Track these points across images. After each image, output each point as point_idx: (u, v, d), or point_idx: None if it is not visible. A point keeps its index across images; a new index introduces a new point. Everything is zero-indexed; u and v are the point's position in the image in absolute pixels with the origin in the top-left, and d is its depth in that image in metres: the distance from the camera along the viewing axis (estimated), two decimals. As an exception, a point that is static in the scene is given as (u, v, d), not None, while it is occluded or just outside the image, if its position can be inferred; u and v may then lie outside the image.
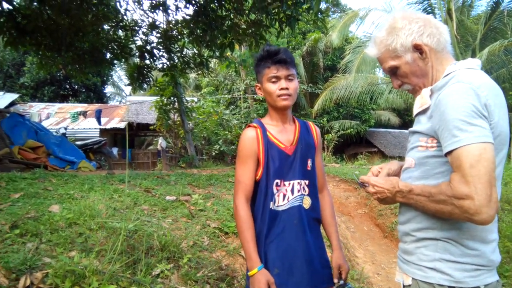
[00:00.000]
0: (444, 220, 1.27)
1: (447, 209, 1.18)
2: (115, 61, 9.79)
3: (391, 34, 1.41)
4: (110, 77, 28.78)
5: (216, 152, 15.20)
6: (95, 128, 17.78)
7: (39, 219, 2.96)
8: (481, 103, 1.18)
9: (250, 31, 7.60)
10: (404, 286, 1.40)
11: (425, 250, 1.32)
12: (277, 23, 7.23)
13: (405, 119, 24.55)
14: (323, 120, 20.46)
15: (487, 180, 1.10)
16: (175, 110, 12.18)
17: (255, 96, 18.32)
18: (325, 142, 17.32)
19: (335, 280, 1.78)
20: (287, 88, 1.75)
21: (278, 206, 1.75)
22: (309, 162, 1.84)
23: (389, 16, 1.50)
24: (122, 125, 18.39)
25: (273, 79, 1.76)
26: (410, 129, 1.42)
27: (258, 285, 1.60)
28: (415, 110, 1.40)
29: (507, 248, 4.55)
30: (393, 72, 1.46)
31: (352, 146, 23.09)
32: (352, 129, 19.97)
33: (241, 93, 19.24)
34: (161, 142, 15.84)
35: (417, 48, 1.38)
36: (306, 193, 1.81)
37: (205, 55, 9.73)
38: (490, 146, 1.14)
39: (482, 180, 1.10)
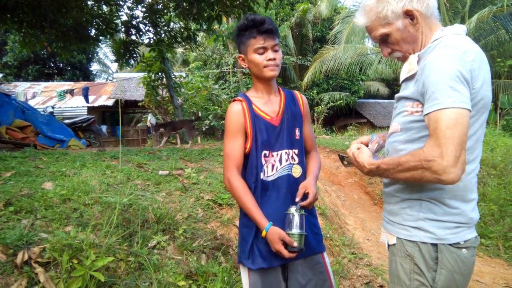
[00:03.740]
0: None
1: (417, 174, 1.22)
2: (101, 38, 9.59)
3: (381, 1, 1.41)
4: (95, 54, 28.23)
5: (206, 127, 15.18)
6: (82, 106, 17.57)
7: (33, 196, 2.96)
8: (465, 68, 1.20)
9: (238, 2, 7.49)
10: (389, 245, 1.46)
11: (410, 210, 1.37)
12: (265, -6, 7.12)
13: (394, 89, 24.57)
14: (313, 93, 20.43)
15: (459, 143, 1.14)
16: (163, 86, 12.05)
17: (244, 70, 18.16)
18: (315, 115, 17.34)
19: (297, 199, 1.70)
20: (274, 59, 1.74)
21: (267, 176, 1.76)
22: (297, 131, 1.84)
23: None
24: (110, 102, 18.17)
25: (260, 50, 1.74)
26: (397, 95, 1.45)
27: (272, 245, 1.63)
28: (402, 76, 1.42)
29: (492, 211, 4.71)
30: (383, 40, 1.46)
31: (342, 117, 23.20)
32: (341, 101, 20.00)
33: (230, 67, 19.01)
34: (150, 119, 15.71)
35: (408, 14, 1.38)
36: (296, 162, 1.82)
37: (192, 28, 9.57)
38: (467, 113, 1.17)
39: (455, 143, 1.14)
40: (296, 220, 1.63)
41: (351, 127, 18.26)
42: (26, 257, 2.25)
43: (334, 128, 19.94)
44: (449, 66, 1.20)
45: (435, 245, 1.31)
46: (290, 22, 20.06)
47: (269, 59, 1.73)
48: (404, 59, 1.46)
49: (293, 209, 1.65)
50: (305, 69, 20.67)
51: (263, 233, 1.65)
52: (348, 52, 17.50)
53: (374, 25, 1.45)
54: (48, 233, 2.49)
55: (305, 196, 1.72)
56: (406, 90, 1.40)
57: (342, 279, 3.18)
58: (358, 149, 1.51)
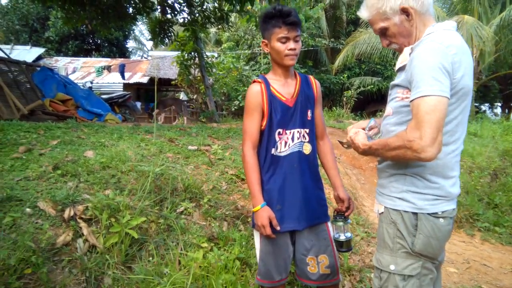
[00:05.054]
0: None
1: (401, 153, 1.42)
2: (137, 16, 9.92)
3: None
4: (132, 32, 28.81)
5: (235, 107, 15.40)
6: (119, 83, 18.16)
7: (77, 162, 3.33)
8: (447, 61, 1.38)
9: (271, -16, 7.59)
10: (378, 214, 1.68)
11: (396, 183, 1.58)
12: (298, -24, 7.19)
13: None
14: (343, 77, 20.10)
15: (436, 126, 1.33)
16: (195, 66, 12.31)
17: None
18: (344, 99, 17.18)
19: (344, 209, 2.06)
20: (294, 49, 1.94)
21: (280, 152, 1.99)
22: (309, 113, 2.06)
23: None
24: (145, 80, 18.69)
25: (283, 40, 1.92)
26: (391, 83, 1.64)
27: (260, 220, 1.89)
28: (397, 66, 1.62)
29: (510, 201, 4.78)
30: (382, 32, 1.65)
31: (373, 103, 22.73)
32: (373, 86, 19.61)
33: (261, 48, 19.00)
34: (182, 97, 16.14)
35: (404, 11, 1.56)
36: (306, 140, 2.04)
37: (226, 9, 9.73)
38: (445, 100, 1.35)
39: (432, 126, 1.33)
40: (344, 228, 1.99)
41: (381, 113, 18.00)
42: (72, 213, 2.61)
43: (364, 113, 19.68)
44: (432, 58, 1.38)
45: (415, 214, 1.51)
46: (324, 3, 19.73)
47: (290, 49, 1.92)
48: (400, 50, 1.65)
49: (340, 223, 2.00)
50: (337, 52, 20.34)
51: (257, 208, 1.91)
52: (382, 37, 17.15)
53: (375, 19, 1.63)
54: (90, 194, 2.84)
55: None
56: (398, 78, 1.59)
57: (353, 254, 3.40)
58: (356, 133, 1.73)
